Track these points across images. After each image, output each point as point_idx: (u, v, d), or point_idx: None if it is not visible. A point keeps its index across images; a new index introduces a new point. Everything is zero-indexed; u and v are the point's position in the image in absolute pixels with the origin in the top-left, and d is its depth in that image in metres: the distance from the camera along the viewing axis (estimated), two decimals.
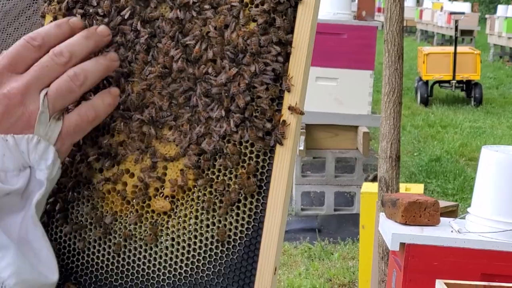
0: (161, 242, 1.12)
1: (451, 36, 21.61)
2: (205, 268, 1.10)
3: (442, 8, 24.78)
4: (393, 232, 3.14)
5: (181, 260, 1.11)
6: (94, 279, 1.14)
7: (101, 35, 1.10)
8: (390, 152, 4.38)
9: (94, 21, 1.14)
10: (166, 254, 1.11)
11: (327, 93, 7.59)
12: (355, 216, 6.87)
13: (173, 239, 1.11)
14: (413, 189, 5.07)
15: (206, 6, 1.12)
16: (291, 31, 1.10)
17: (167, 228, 1.12)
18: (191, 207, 1.11)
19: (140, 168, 1.13)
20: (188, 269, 1.10)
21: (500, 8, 22.40)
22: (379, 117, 4.52)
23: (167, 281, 1.11)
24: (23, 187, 1.02)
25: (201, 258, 1.10)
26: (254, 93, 1.09)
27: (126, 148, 1.14)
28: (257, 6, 1.10)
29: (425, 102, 14.47)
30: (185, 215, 1.11)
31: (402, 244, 3.13)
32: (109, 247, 1.13)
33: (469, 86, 14.51)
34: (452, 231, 3.17)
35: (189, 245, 1.10)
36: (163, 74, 1.12)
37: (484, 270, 3.09)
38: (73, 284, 1.14)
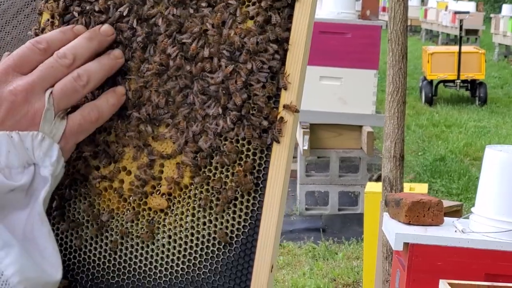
0: (158, 240, 1.12)
1: (456, 36, 21.58)
2: (201, 266, 1.10)
3: (447, 7, 24.75)
4: (397, 232, 3.13)
5: (178, 258, 1.11)
6: (90, 277, 1.14)
7: (104, 34, 1.11)
8: (394, 152, 4.37)
9: (91, 18, 1.14)
10: (162, 252, 1.11)
11: (331, 92, 7.58)
12: (359, 215, 6.86)
13: (169, 236, 1.11)
14: (417, 189, 5.07)
15: (203, 4, 1.11)
16: (288, 29, 1.09)
17: (164, 225, 1.11)
18: (188, 205, 1.11)
19: (137, 165, 1.13)
20: (184, 266, 1.10)
21: (505, 8, 22.37)
22: (383, 116, 4.51)
23: (163, 278, 1.11)
24: (28, 184, 1.03)
25: (197, 255, 1.10)
26: (251, 90, 1.09)
27: (123, 146, 1.14)
28: (254, 3, 1.10)
29: (430, 101, 14.45)
30: (182, 213, 1.11)
31: (406, 244, 3.13)
32: (106, 244, 1.13)
33: (473, 85, 14.50)
34: (456, 231, 3.16)
35: (185, 243, 1.10)
36: (160, 72, 1.12)
37: (488, 270, 3.08)
38: (66, 279, 1.13)
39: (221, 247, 1.09)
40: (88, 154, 1.13)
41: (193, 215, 1.10)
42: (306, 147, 7.43)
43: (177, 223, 1.11)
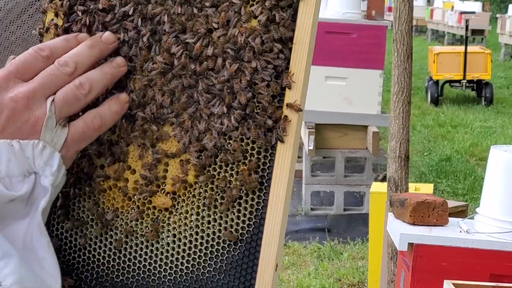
0: (162, 239, 1.12)
1: (461, 36, 21.55)
2: (206, 265, 1.10)
3: (452, 7, 24.71)
4: (401, 232, 3.13)
5: (182, 257, 1.11)
6: (95, 276, 1.14)
7: (106, 42, 1.11)
8: (399, 152, 4.37)
9: (96, 17, 1.15)
10: (167, 251, 1.11)
11: (337, 92, 7.58)
12: (364, 216, 6.86)
13: (174, 235, 1.11)
14: (423, 189, 5.06)
15: (207, 4, 1.12)
16: (292, 28, 1.09)
17: (168, 224, 1.11)
18: (193, 204, 1.11)
19: (142, 164, 1.13)
20: (189, 265, 1.10)
21: None
22: (389, 116, 4.50)
23: (168, 277, 1.11)
24: (28, 193, 1.02)
25: (202, 254, 1.10)
26: (255, 90, 1.09)
27: (127, 145, 1.14)
28: (258, 2, 1.10)
29: (436, 101, 14.43)
30: (187, 212, 1.11)
31: (410, 244, 3.12)
32: (111, 243, 1.13)
33: (479, 85, 14.47)
34: (460, 231, 3.16)
35: (190, 242, 1.10)
36: (165, 71, 1.12)
37: (493, 271, 3.07)
38: (71, 278, 1.14)
39: (225, 245, 1.09)
40: (92, 152, 1.13)
41: (197, 214, 1.10)
42: (311, 147, 7.42)
43: (182, 221, 1.11)
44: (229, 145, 1.09)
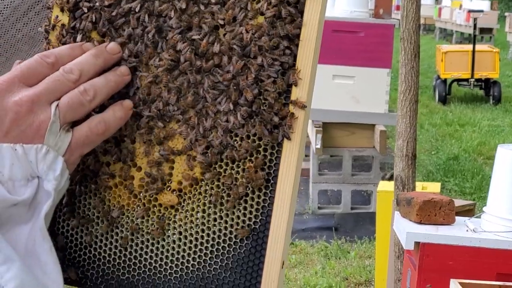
0: (168, 236, 1.11)
1: (470, 34, 21.51)
2: (212, 262, 1.09)
3: (461, 6, 24.66)
4: (408, 231, 3.13)
5: (188, 254, 1.10)
6: (101, 273, 1.14)
7: (111, 52, 1.12)
8: (406, 151, 4.36)
9: (102, 13, 1.15)
10: (173, 248, 1.11)
11: (344, 91, 7.57)
12: (372, 214, 6.85)
13: (180, 233, 1.11)
14: (430, 188, 5.05)
15: (213, 0, 1.11)
16: (299, 25, 1.09)
17: (174, 222, 1.11)
18: (199, 201, 1.10)
19: (147, 161, 1.13)
20: (195, 263, 1.10)
21: None
22: (396, 115, 4.50)
23: (174, 275, 1.11)
24: (31, 198, 1.02)
25: (208, 252, 1.10)
26: (262, 86, 1.09)
27: (133, 142, 1.14)
28: None
29: (443, 100, 14.41)
30: (193, 209, 1.11)
31: (417, 243, 3.12)
32: (116, 241, 1.13)
33: (487, 84, 14.43)
34: (467, 230, 3.15)
35: (196, 239, 1.10)
36: (171, 68, 1.12)
37: (500, 270, 3.07)
38: (75, 272, 1.14)
39: (231, 243, 1.09)
40: (98, 150, 1.13)
41: (203, 211, 1.10)
42: (318, 146, 7.42)
43: (188, 219, 1.11)
44: (235, 142, 1.09)
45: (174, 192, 1.12)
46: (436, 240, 3.09)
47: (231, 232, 1.09)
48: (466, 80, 14.20)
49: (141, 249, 1.12)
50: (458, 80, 14.48)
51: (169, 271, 1.11)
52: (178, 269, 1.11)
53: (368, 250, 6.70)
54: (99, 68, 1.10)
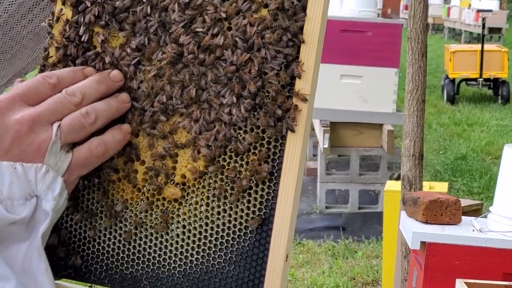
0: (172, 230, 1.11)
1: (479, 34, 21.41)
2: (216, 256, 1.09)
3: (470, 5, 24.58)
4: (414, 231, 3.12)
5: (192, 248, 1.10)
6: (104, 268, 1.14)
7: (113, 79, 1.13)
8: (414, 150, 4.35)
9: (105, 6, 1.15)
10: (177, 242, 1.11)
11: (352, 91, 7.56)
12: (379, 214, 6.84)
13: (184, 226, 1.11)
14: (437, 188, 5.04)
15: None
16: (302, 17, 1.09)
17: (178, 215, 1.11)
18: (202, 194, 1.10)
19: (150, 154, 1.13)
20: (199, 256, 1.10)
21: None
22: (404, 115, 4.49)
23: (178, 269, 1.11)
24: (29, 217, 1.02)
25: (212, 245, 1.10)
26: (265, 79, 1.09)
27: (136, 136, 1.14)
28: None
29: (452, 100, 14.37)
30: (196, 203, 1.11)
31: (423, 243, 3.11)
32: (120, 235, 1.13)
33: (496, 84, 14.39)
34: (473, 230, 3.15)
35: (200, 233, 1.10)
36: (174, 61, 1.12)
37: (506, 270, 3.06)
38: (80, 258, 1.14)
39: (235, 236, 1.09)
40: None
41: (207, 204, 1.10)
42: (326, 145, 7.41)
43: (192, 212, 1.11)
44: (239, 135, 1.09)
45: (178, 186, 1.12)
46: (442, 240, 3.09)
47: (234, 226, 1.09)
48: (475, 79, 14.16)
49: (145, 243, 1.12)
50: (467, 80, 14.44)
51: (172, 265, 1.11)
52: (182, 263, 1.11)
53: (375, 250, 6.69)
54: (101, 94, 1.11)
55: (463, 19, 25.01)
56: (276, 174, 1.08)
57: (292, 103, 1.08)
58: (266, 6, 1.10)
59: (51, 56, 1.18)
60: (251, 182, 1.08)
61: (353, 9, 7.76)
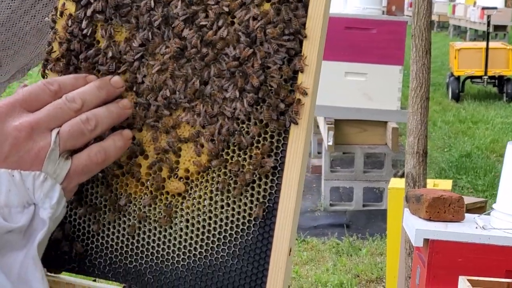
0: (176, 224, 1.12)
1: (484, 32, 21.39)
2: (219, 250, 1.10)
3: (475, 3, 24.53)
4: (417, 228, 3.12)
5: (196, 242, 1.11)
6: (108, 262, 1.14)
7: (114, 85, 1.12)
8: (417, 148, 4.35)
9: (108, 1, 1.15)
10: (180, 236, 1.11)
11: (356, 88, 7.56)
12: (383, 212, 6.84)
13: (187, 220, 1.11)
14: (441, 185, 5.03)
15: None
16: (304, 11, 1.09)
17: (182, 209, 1.11)
18: (206, 188, 1.11)
19: (154, 148, 1.13)
20: (202, 250, 1.10)
21: None
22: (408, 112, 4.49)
23: (181, 262, 1.11)
24: (26, 225, 1.01)
25: (215, 239, 1.10)
26: (268, 73, 1.09)
27: (139, 130, 1.14)
28: None
29: (457, 97, 14.35)
30: (200, 196, 1.11)
31: (426, 240, 3.11)
32: (124, 229, 1.14)
33: (501, 81, 14.36)
34: (476, 228, 3.14)
35: (203, 227, 1.10)
36: (178, 55, 1.12)
37: (509, 267, 3.05)
38: (81, 245, 1.14)
39: (239, 230, 1.09)
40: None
41: (211, 198, 1.10)
42: (330, 143, 7.41)
43: (195, 206, 1.11)
44: (242, 129, 1.09)
45: (181, 180, 1.12)
46: (445, 237, 3.08)
47: (238, 219, 1.09)
48: (480, 77, 14.14)
49: (149, 237, 1.13)
50: (472, 77, 14.42)
51: (176, 259, 1.11)
52: (186, 257, 1.11)
53: (379, 247, 6.69)
54: (101, 100, 1.10)
55: (468, 16, 24.96)
56: (279, 168, 1.08)
57: (295, 97, 1.08)
58: (268, 0, 1.10)
59: (55, 51, 1.18)
60: (255, 176, 1.08)
61: (357, 7, 7.75)
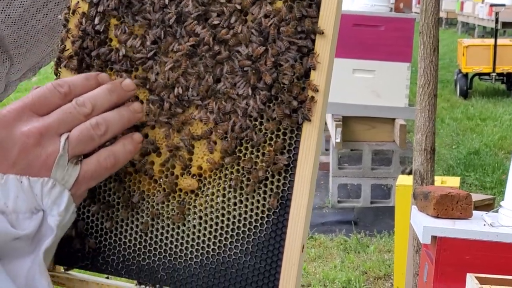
0: (189, 221, 1.12)
1: (492, 28, 21.32)
2: (232, 247, 1.10)
3: (483, 0, 24.47)
4: (425, 225, 3.12)
5: (209, 239, 1.11)
6: (121, 259, 1.15)
7: (125, 89, 1.10)
8: (425, 145, 4.35)
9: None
10: (193, 233, 1.12)
11: (364, 85, 7.56)
12: (391, 208, 6.84)
13: (200, 217, 1.11)
14: (449, 183, 5.03)
15: None
16: (317, 8, 1.09)
17: (195, 206, 1.12)
18: (219, 186, 1.11)
19: (166, 145, 1.13)
20: (215, 247, 1.11)
21: None
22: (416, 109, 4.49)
23: (194, 259, 1.11)
24: (34, 232, 1.00)
25: (228, 236, 1.10)
26: (280, 71, 1.09)
27: (152, 128, 1.15)
28: None
29: (465, 94, 14.32)
30: (213, 194, 1.11)
31: (434, 237, 3.11)
32: (137, 226, 1.14)
33: (509, 78, 14.32)
34: (484, 225, 3.15)
35: (216, 224, 1.11)
36: (190, 53, 1.12)
37: None
38: (94, 242, 1.15)
39: (252, 227, 1.09)
40: (119, 137, 1.13)
41: (223, 195, 1.10)
42: (338, 140, 7.41)
43: (208, 204, 1.11)
44: (255, 127, 1.10)
45: (194, 177, 1.12)
46: (453, 234, 3.09)
47: (251, 216, 1.09)
48: (488, 74, 14.10)
49: (162, 234, 1.13)
50: (480, 74, 14.38)
51: (189, 256, 1.12)
52: (199, 254, 1.11)
53: (387, 244, 6.69)
54: (112, 103, 1.08)
55: (476, 13, 24.89)
56: (292, 165, 1.08)
57: (308, 94, 1.08)
58: None
59: (67, 49, 1.18)
60: (267, 173, 1.09)
61: (365, 4, 7.75)
